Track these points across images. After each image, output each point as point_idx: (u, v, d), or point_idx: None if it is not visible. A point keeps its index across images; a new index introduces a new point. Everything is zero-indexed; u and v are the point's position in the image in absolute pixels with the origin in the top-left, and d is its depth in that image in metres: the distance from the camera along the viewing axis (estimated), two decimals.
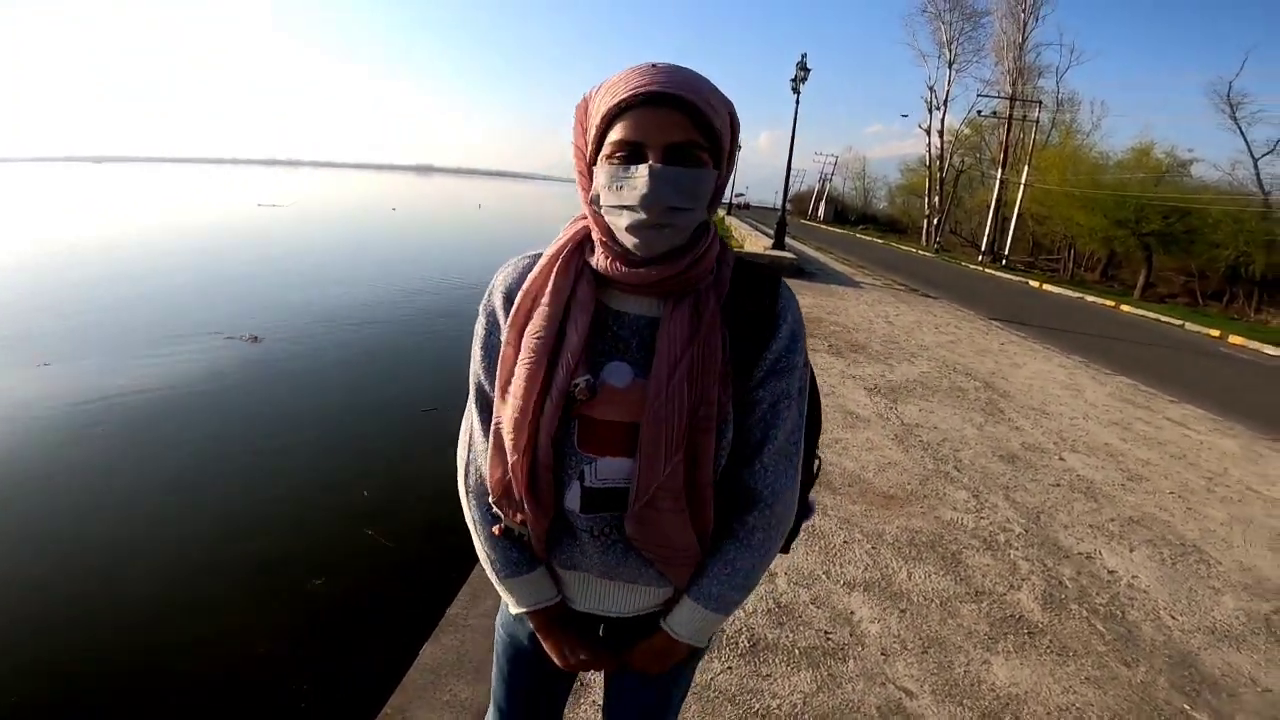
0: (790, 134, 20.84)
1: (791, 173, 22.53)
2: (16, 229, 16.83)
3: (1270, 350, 15.30)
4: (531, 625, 1.23)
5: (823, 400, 6.22)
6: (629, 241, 0.99)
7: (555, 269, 1.06)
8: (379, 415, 6.03)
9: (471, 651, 2.59)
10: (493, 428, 1.09)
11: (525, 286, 1.07)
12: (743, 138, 1.10)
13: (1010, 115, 37.84)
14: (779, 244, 20.25)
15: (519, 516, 1.10)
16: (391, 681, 2.43)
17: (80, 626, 3.14)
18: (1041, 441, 5.91)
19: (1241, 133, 30.13)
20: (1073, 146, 37.00)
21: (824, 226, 67.02)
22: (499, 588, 1.22)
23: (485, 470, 1.12)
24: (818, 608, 3.10)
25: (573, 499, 1.07)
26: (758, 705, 2.43)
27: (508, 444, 1.05)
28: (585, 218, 1.08)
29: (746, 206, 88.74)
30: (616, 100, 0.93)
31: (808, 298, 13.20)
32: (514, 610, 1.21)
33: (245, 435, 5.31)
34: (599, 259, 1.04)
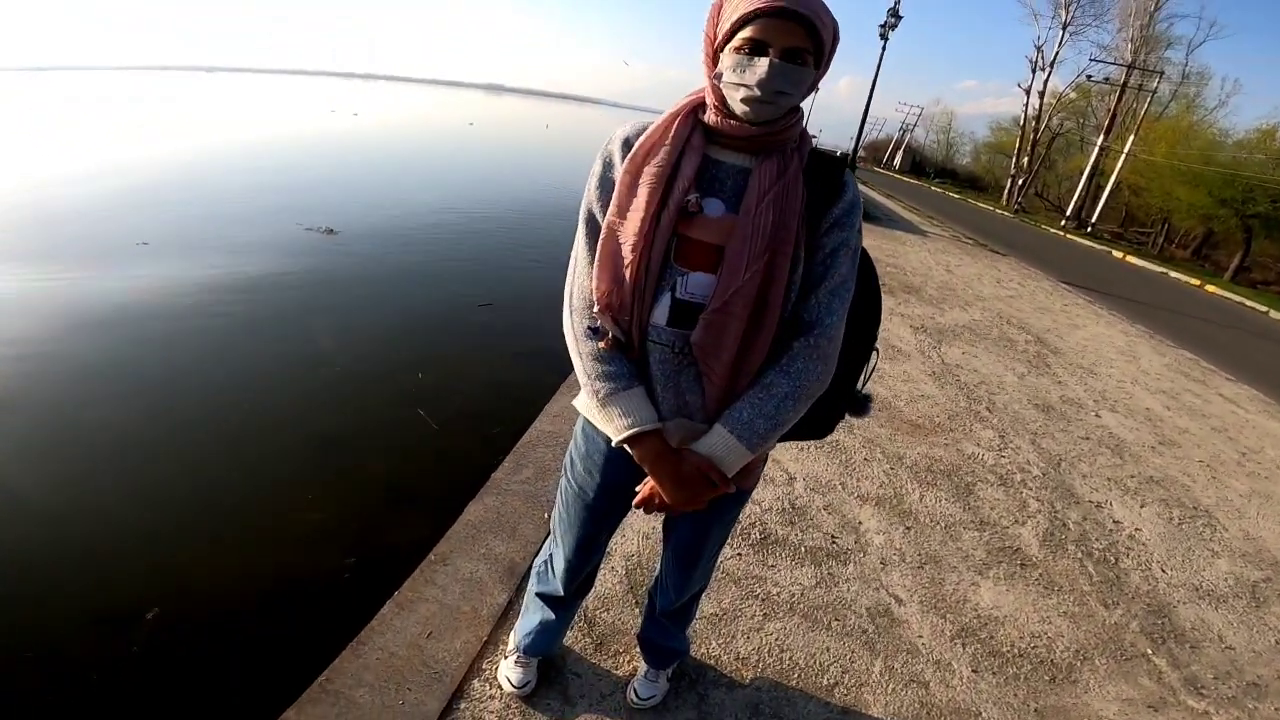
0: (872, 80, 19.93)
1: (871, 121, 21.71)
2: (132, 131, 16.70)
3: None
4: (640, 459, 1.30)
5: None
6: (741, 110, 1.18)
7: (676, 122, 1.24)
8: (438, 307, 6.04)
9: (509, 514, 2.73)
10: (599, 247, 1.24)
11: (646, 135, 1.25)
12: (823, 82, 1.26)
13: (1125, 83, 35.06)
14: None
15: (613, 332, 1.24)
16: (439, 534, 2.57)
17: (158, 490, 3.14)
18: (1082, 397, 5.78)
19: None
20: (1190, 121, 34.22)
21: (898, 176, 64.14)
22: (601, 415, 1.30)
23: (590, 286, 1.25)
24: (829, 514, 3.20)
25: (661, 312, 1.23)
26: (760, 590, 2.56)
27: (626, 250, 1.20)
28: (697, 93, 1.27)
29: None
30: (752, 8, 1.11)
31: (868, 239, 12.57)
32: (619, 437, 1.27)
33: (317, 318, 5.33)
34: (711, 117, 1.22)
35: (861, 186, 26.27)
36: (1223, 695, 2.50)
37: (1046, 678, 2.40)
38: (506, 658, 1.98)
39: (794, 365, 1.23)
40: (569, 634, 2.17)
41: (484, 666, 2.00)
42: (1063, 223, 34.15)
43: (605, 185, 1.28)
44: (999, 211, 36.63)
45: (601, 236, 1.23)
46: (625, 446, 1.29)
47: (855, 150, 23.49)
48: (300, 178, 11.96)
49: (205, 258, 6.39)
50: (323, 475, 3.33)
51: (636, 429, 1.26)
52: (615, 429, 1.28)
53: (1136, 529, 3.63)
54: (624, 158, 1.25)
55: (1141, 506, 3.91)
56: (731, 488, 1.30)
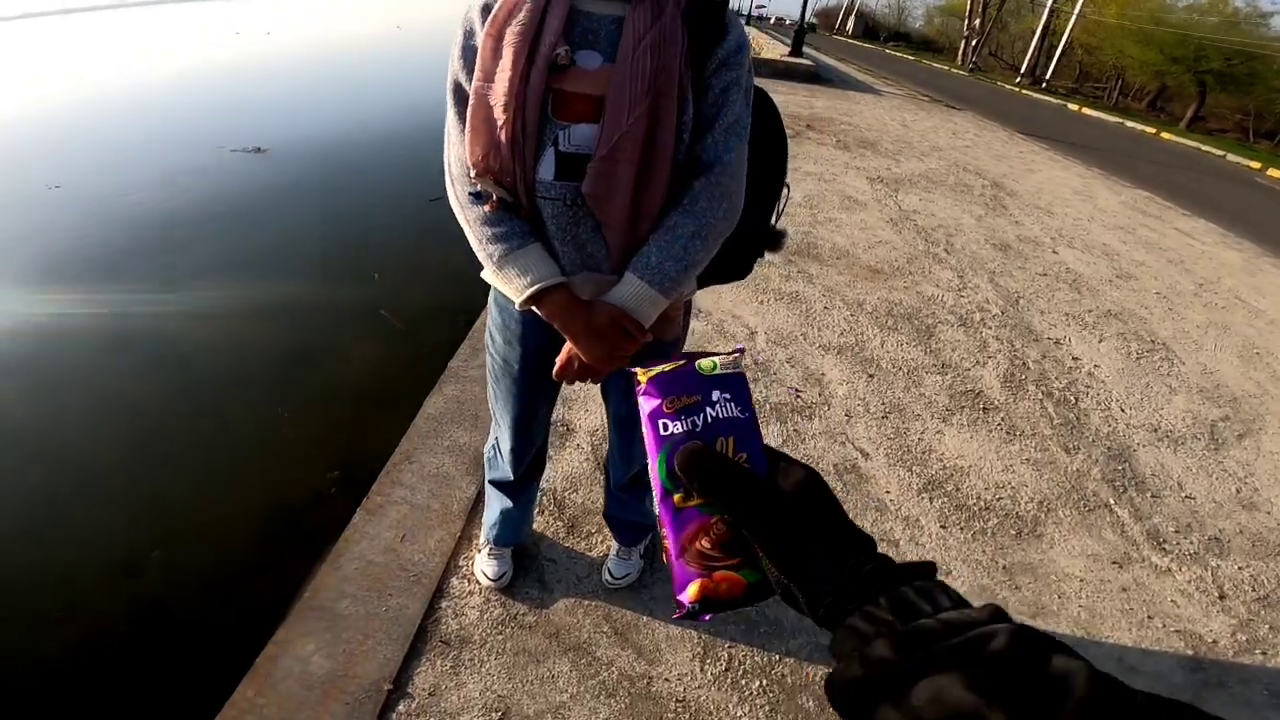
0: None
1: None
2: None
3: None
4: (549, 317, 1.23)
5: (822, 187, 6.00)
6: None
7: None
8: (387, 208, 5.92)
9: (469, 401, 2.65)
10: (470, 114, 1.16)
11: None
12: None
13: None
14: (796, 51, 19.17)
15: (496, 194, 1.18)
16: (402, 430, 2.51)
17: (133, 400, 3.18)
18: (1039, 235, 5.76)
19: None
20: None
21: (852, 41, 61.94)
22: (500, 279, 1.23)
23: (466, 155, 1.18)
24: (792, 367, 3.18)
25: (547, 168, 1.16)
26: None
27: (498, 111, 1.12)
28: None
29: (763, 19, 78.44)
30: None
31: (822, 100, 12.39)
32: (521, 297, 1.20)
33: (262, 236, 5.19)
34: None
35: (814, 51, 25.03)
36: (1184, 551, 2.47)
37: (1013, 532, 2.41)
38: (480, 551, 1.95)
39: (697, 204, 1.18)
40: (541, 519, 2.14)
41: (460, 563, 1.96)
42: (1018, 80, 33.61)
43: (469, 54, 1.19)
44: (954, 70, 35.55)
45: (470, 103, 1.16)
46: (533, 308, 1.23)
47: (803, 16, 22.28)
48: (216, 103, 11.18)
49: (127, 194, 5.95)
50: (294, 393, 3.26)
51: (538, 285, 1.19)
52: (516, 289, 1.21)
53: (1095, 365, 3.66)
54: (485, 23, 1.17)
55: (1099, 341, 3.95)
56: (649, 337, 1.25)
